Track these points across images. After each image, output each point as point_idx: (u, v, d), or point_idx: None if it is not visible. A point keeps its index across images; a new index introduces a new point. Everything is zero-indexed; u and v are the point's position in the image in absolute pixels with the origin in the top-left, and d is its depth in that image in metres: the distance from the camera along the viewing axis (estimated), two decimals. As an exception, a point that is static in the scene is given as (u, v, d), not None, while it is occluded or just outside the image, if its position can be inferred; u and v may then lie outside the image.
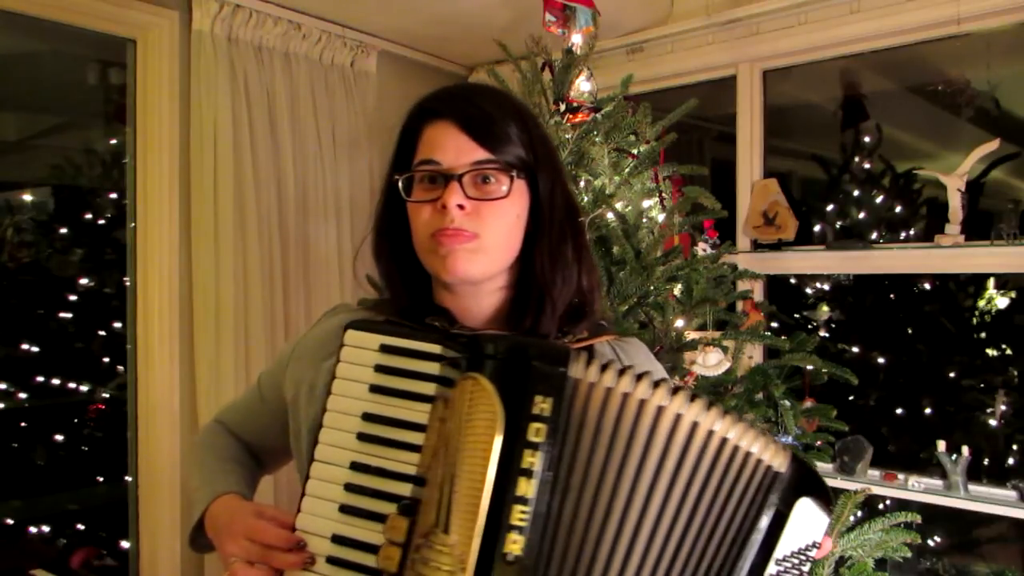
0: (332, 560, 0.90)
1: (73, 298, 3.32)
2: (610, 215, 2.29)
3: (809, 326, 3.58)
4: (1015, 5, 2.68)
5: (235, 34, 2.98)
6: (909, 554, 2.27)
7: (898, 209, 3.29)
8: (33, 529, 3.22)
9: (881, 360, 3.51)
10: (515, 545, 0.82)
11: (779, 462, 0.93)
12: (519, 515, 0.83)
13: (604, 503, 0.87)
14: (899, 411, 3.44)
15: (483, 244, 1.03)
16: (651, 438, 0.88)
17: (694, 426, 0.89)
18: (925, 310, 3.45)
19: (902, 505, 2.87)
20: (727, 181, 3.37)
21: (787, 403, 2.38)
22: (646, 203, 2.42)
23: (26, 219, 3.19)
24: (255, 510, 1.02)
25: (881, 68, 3.23)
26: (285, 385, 1.19)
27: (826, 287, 3.66)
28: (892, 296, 3.52)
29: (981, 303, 3.31)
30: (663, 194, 2.44)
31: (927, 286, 3.44)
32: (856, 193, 3.37)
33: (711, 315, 2.39)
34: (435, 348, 0.92)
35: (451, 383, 0.90)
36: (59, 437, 3.34)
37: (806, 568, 0.95)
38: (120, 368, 3.13)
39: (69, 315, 3.31)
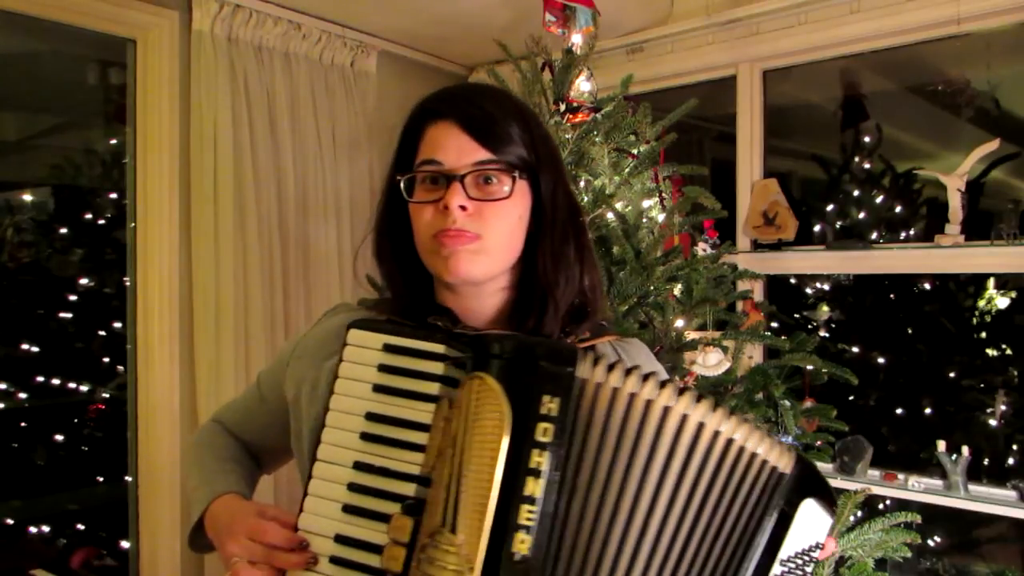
0: (335, 560, 0.90)
1: (73, 298, 3.32)
2: (610, 215, 2.29)
3: (809, 326, 3.58)
4: (1015, 5, 2.68)
5: (235, 34, 2.98)
6: (909, 554, 2.26)
7: (898, 209, 3.29)
8: (33, 529, 3.22)
9: (881, 360, 3.51)
10: (523, 545, 0.82)
11: (784, 463, 0.93)
12: (527, 515, 0.83)
13: (610, 503, 0.87)
14: (899, 411, 3.44)
15: (485, 245, 1.03)
16: (657, 438, 0.88)
17: (700, 426, 0.89)
18: (925, 310, 3.45)
19: (902, 505, 2.87)
20: (727, 181, 3.37)
21: (787, 403, 2.38)
22: (646, 203, 2.42)
23: (26, 219, 3.19)
24: (257, 510, 1.02)
25: (881, 68, 3.23)
26: (286, 384, 1.18)
27: (826, 287, 3.66)
28: (892, 296, 3.52)
29: (981, 303, 3.31)
30: (663, 194, 2.43)
31: (927, 286, 3.44)
32: (856, 193, 3.37)
33: (711, 315, 2.39)
34: (439, 348, 0.92)
35: (455, 383, 0.90)
36: (59, 437, 3.33)
37: (809, 569, 0.95)
38: (120, 368, 3.12)
39: (69, 315, 3.30)
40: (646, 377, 0.89)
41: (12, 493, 3.15)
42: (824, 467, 2.89)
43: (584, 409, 0.87)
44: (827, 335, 3.59)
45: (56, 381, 3.28)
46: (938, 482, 2.86)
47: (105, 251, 3.32)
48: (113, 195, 3.30)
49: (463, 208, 1.02)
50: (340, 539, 0.90)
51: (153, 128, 2.88)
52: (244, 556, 0.96)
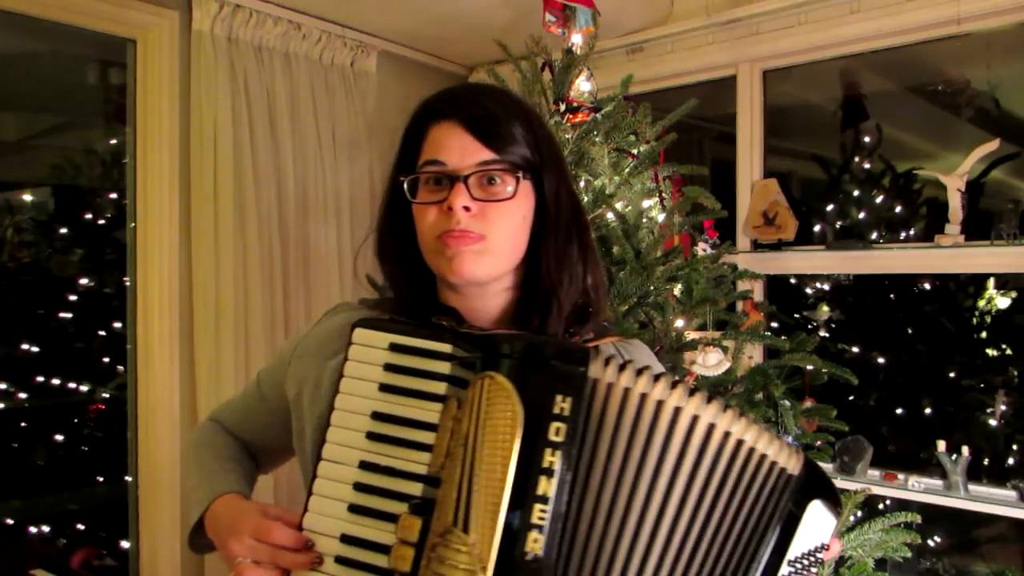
0: (341, 560, 0.90)
1: (73, 298, 3.31)
2: (610, 215, 2.29)
3: (809, 326, 3.58)
4: (1015, 5, 2.69)
5: (235, 34, 2.98)
6: (909, 554, 2.27)
7: (898, 209, 3.29)
8: (33, 529, 3.21)
9: (881, 360, 3.52)
10: (535, 544, 0.82)
11: (792, 465, 0.93)
12: (539, 514, 0.83)
13: (622, 504, 0.86)
14: (899, 411, 3.44)
15: (489, 245, 1.03)
16: (668, 439, 0.88)
17: (711, 428, 0.89)
18: (925, 310, 3.45)
19: (902, 505, 2.87)
20: (727, 181, 3.37)
21: (787, 403, 2.38)
22: (646, 203, 2.42)
23: (26, 219, 3.19)
24: (261, 509, 1.01)
25: (881, 68, 3.24)
26: (287, 383, 1.18)
27: (826, 287, 3.66)
28: (892, 296, 3.52)
29: (981, 303, 3.31)
30: (663, 194, 2.43)
31: (927, 286, 3.44)
32: (856, 193, 3.37)
33: (711, 315, 2.39)
34: (446, 347, 0.92)
35: (463, 383, 0.90)
36: (59, 437, 3.33)
37: (815, 570, 0.95)
38: (120, 368, 3.12)
39: (69, 315, 3.30)
40: (657, 377, 0.89)
41: (12, 493, 3.14)
42: (824, 467, 2.88)
43: (596, 409, 0.87)
44: (827, 335, 3.59)
45: (56, 381, 3.28)
46: (938, 482, 2.86)
47: (105, 251, 3.32)
48: (113, 195, 3.29)
49: (467, 209, 1.01)
50: (346, 539, 0.90)
51: (153, 128, 2.88)
52: (249, 556, 0.95)
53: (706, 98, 3.07)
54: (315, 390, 1.10)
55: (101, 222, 3.33)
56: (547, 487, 0.83)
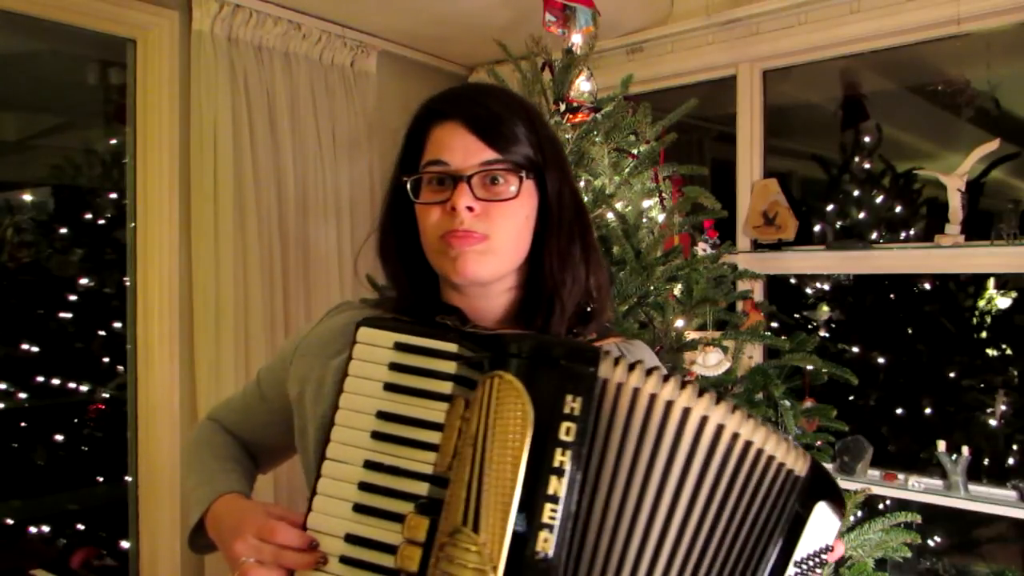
0: (346, 560, 0.89)
1: (73, 298, 3.31)
2: (610, 215, 2.29)
3: (809, 326, 3.58)
4: (1015, 5, 2.69)
5: (235, 34, 2.97)
6: (909, 554, 2.27)
7: (898, 209, 3.29)
8: (33, 529, 3.21)
9: (881, 360, 3.52)
10: (546, 544, 0.82)
11: (799, 466, 0.93)
12: (550, 514, 0.82)
13: (631, 504, 0.86)
14: (899, 411, 3.44)
15: (493, 245, 1.03)
16: (678, 440, 0.88)
17: (719, 429, 0.89)
18: (925, 310, 3.45)
19: (902, 505, 2.87)
20: (727, 181, 3.37)
21: (787, 403, 2.38)
22: (646, 203, 2.42)
23: (26, 219, 3.19)
24: (264, 509, 1.01)
25: (881, 68, 3.24)
26: (289, 382, 1.17)
27: (826, 287, 3.66)
28: (892, 296, 3.53)
29: (981, 303, 3.31)
30: (663, 194, 2.43)
31: (927, 286, 3.44)
32: (856, 193, 3.37)
33: (711, 315, 2.39)
34: (452, 347, 0.92)
35: (469, 382, 0.90)
36: (59, 437, 3.32)
37: (819, 571, 0.95)
38: (120, 368, 3.12)
39: (69, 315, 3.30)
40: (666, 378, 0.89)
41: (12, 493, 3.14)
42: (824, 467, 2.89)
43: (606, 409, 0.87)
44: (827, 335, 3.59)
45: (56, 381, 3.28)
46: (938, 482, 2.86)
47: (105, 251, 3.32)
48: (113, 195, 3.29)
49: (470, 209, 1.01)
50: (351, 539, 0.90)
51: (153, 128, 2.88)
52: (252, 556, 0.95)
53: (706, 98, 3.07)
54: (318, 389, 1.09)
55: (101, 222, 3.33)
56: (558, 487, 0.83)
